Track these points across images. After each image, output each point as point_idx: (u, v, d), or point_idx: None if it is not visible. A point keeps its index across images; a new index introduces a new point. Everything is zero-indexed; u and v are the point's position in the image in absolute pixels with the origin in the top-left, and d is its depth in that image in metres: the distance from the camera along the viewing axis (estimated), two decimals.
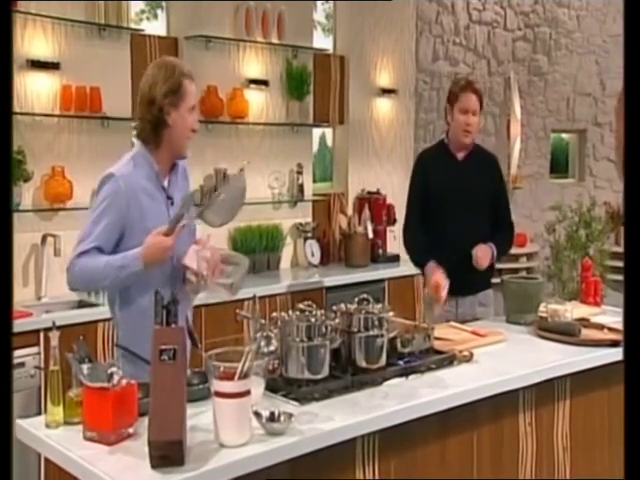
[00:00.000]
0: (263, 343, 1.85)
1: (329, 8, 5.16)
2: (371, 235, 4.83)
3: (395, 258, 4.91)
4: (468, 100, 2.92)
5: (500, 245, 3.00)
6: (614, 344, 2.45)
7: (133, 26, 3.88)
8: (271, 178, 4.57)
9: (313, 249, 4.74)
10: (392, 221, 5.00)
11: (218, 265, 2.17)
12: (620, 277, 4.83)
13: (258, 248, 4.48)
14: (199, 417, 1.78)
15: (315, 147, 5.25)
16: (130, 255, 2.04)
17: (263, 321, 1.86)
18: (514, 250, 6.01)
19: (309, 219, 4.82)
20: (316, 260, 4.71)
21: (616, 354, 2.42)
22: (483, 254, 2.87)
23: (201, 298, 3.75)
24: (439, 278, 2.71)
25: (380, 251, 4.92)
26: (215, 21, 4.14)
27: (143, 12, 4.17)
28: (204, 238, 2.24)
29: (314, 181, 5.11)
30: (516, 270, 5.72)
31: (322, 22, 5.20)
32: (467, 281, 2.92)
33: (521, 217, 6.18)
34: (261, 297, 3.54)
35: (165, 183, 2.20)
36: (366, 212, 4.89)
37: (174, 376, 1.56)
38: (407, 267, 4.77)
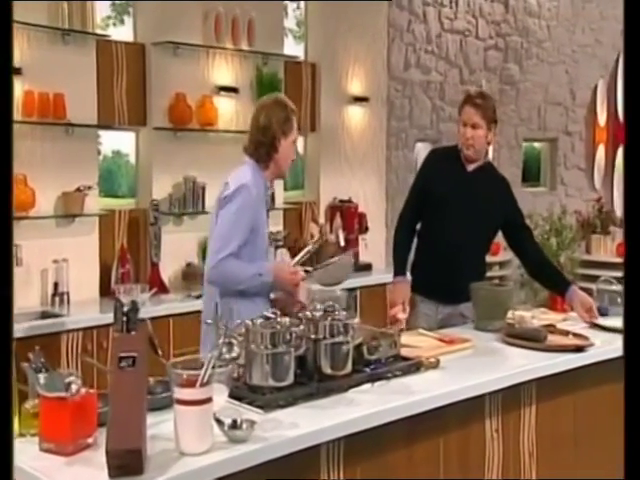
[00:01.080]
0: (225, 349, 1.86)
1: (300, 15, 5.21)
2: (343, 244, 4.85)
3: (367, 267, 4.95)
4: (465, 113, 2.94)
5: (550, 264, 3.20)
6: (578, 349, 2.50)
7: (99, 32, 3.88)
8: None
9: (284, 258, 4.75)
10: (364, 229, 5.05)
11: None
12: (591, 285, 4.92)
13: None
14: (160, 426, 1.78)
15: None
16: (264, 266, 2.51)
17: (226, 328, 1.87)
18: (488, 259, 6.09)
19: (280, 227, 4.84)
20: None
21: (580, 359, 2.47)
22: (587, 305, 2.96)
23: (169, 308, 3.78)
24: (397, 311, 2.74)
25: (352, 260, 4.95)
26: (184, 27, 4.16)
27: (109, 17, 4.17)
28: (300, 272, 2.59)
29: (285, 189, 5.14)
30: (490, 279, 5.78)
31: (293, 29, 5.24)
32: (451, 290, 2.94)
33: None
34: None
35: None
36: (337, 220, 4.93)
37: (134, 384, 1.56)
38: (379, 276, 4.84)
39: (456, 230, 2.96)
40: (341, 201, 5.12)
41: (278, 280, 2.52)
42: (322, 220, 5.11)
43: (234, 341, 1.90)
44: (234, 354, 1.90)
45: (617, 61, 6.89)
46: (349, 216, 5.01)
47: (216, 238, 2.50)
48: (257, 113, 2.59)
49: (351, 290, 4.64)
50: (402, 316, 2.65)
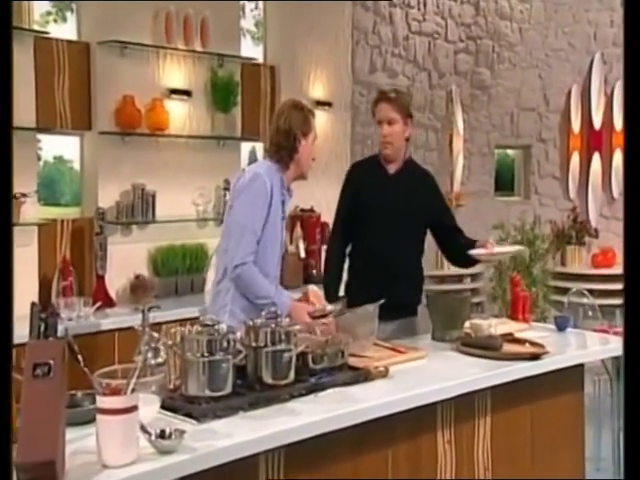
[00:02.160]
0: (150, 355, 1.88)
1: (259, 15, 5.29)
2: (303, 255, 4.91)
3: None
4: (379, 110, 3.02)
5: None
6: (534, 357, 2.56)
7: (37, 28, 3.87)
8: (195, 194, 4.61)
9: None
10: (326, 240, 5.08)
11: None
12: (563, 298, 5.03)
13: (181, 269, 4.49)
14: (86, 440, 1.79)
15: (245, 162, 5.32)
16: (282, 301, 2.62)
17: (155, 334, 1.89)
18: (458, 271, 6.18)
19: None
20: None
21: (535, 367, 2.54)
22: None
23: (116, 322, 3.77)
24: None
25: (314, 271, 4.99)
26: (132, 26, 4.19)
27: (50, 14, 4.18)
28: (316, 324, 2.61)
29: None
30: (460, 292, 5.87)
31: (251, 30, 5.31)
32: (389, 305, 2.78)
33: None
34: (183, 320, 3.57)
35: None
36: (298, 231, 4.98)
37: (48, 392, 1.56)
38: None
39: (383, 241, 2.99)
40: (302, 210, 5.17)
41: (294, 315, 2.56)
42: None
43: (160, 346, 1.92)
44: (160, 359, 1.92)
45: (591, 66, 7.07)
46: (310, 226, 5.06)
47: (233, 233, 2.68)
48: (277, 118, 2.82)
49: None
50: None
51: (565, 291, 5.12)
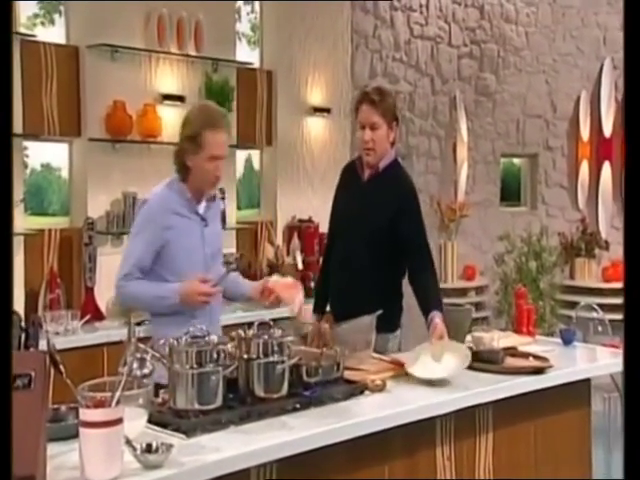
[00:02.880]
0: (136, 365, 1.89)
1: (255, 18, 5.33)
2: (300, 266, 4.92)
3: None
4: (361, 113, 2.86)
5: (437, 296, 2.79)
6: (537, 371, 2.57)
7: (24, 31, 3.92)
8: None
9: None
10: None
11: None
12: (572, 312, 5.03)
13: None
14: (69, 455, 1.80)
15: (240, 171, 5.36)
16: (169, 288, 2.55)
17: (141, 345, 1.91)
18: (462, 284, 6.21)
19: (233, 249, 4.88)
20: None
21: (539, 381, 2.54)
22: (440, 326, 2.63)
23: (104, 336, 3.78)
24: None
25: (312, 284, 4.99)
26: (123, 29, 4.24)
27: (37, 16, 4.22)
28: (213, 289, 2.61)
29: (239, 208, 5.20)
30: (461, 304, 5.87)
31: (247, 34, 5.35)
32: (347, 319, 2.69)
33: (470, 248, 6.39)
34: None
35: (200, 208, 2.68)
36: (295, 241, 4.99)
37: (29, 405, 1.56)
38: None
39: (350, 248, 2.89)
40: (300, 220, 5.19)
41: (186, 301, 2.53)
42: (280, 241, 5.17)
43: (146, 356, 1.93)
44: (146, 370, 1.93)
45: (600, 71, 7.11)
46: (308, 237, 5.08)
47: (123, 257, 2.66)
48: (182, 121, 2.69)
49: None
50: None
51: (574, 305, 5.13)
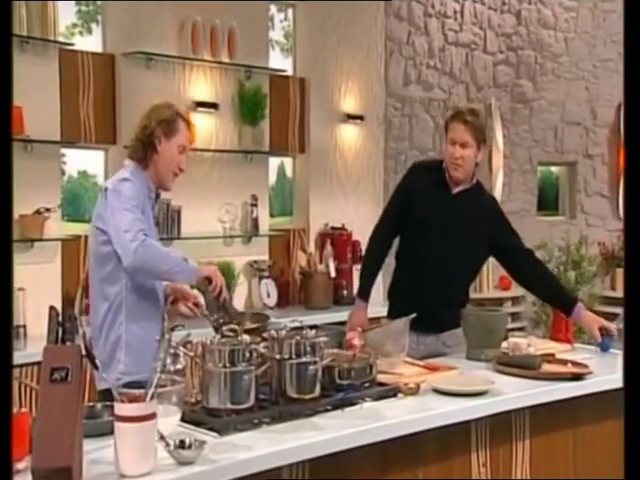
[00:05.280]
0: (169, 360, 1.93)
1: (288, 26, 5.40)
2: (333, 274, 4.95)
3: None
4: (455, 131, 3.01)
5: (553, 278, 3.30)
6: (575, 377, 2.55)
7: (62, 40, 4.02)
8: (222, 211, 4.70)
9: (269, 289, 4.83)
10: (358, 259, 5.12)
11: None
12: (612, 324, 4.95)
13: (207, 288, 4.55)
14: (104, 451, 1.84)
15: (273, 178, 5.41)
16: (191, 269, 2.57)
17: (174, 342, 1.95)
18: (497, 294, 6.17)
19: (265, 256, 4.93)
20: (272, 302, 4.80)
21: (577, 388, 2.52)
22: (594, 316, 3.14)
23: None
24: (353, 336, 2.75)
25: (345, 292, 5.02)
26: (157, 37, 4.33)
27: (75, 26, 4.35)
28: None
29: (272, 215, 5.25)
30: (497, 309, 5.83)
31: (280, 41, 5.43)
32: (433, 320, 3.00)
33: None
34: None
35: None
36: (328, 249, 5.02)
37: (66, 398, 1.62)
38: (375, 309, 4.88)
39: (439, 257, 3.03)
40: (333, 228, 5.22)
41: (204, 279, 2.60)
42: (312, 249, 5.20)
43: (180, 352, 1.97)
44: (179, 365, 1.97)
45: None
46: (341, 244, 5.11)
47: (119, 230, 2.47)
48: (143, 115, 2.71)
49: (341, 324, 4.71)
50: (357, 342, 2.71)
51: (614, 317, 5.05)
